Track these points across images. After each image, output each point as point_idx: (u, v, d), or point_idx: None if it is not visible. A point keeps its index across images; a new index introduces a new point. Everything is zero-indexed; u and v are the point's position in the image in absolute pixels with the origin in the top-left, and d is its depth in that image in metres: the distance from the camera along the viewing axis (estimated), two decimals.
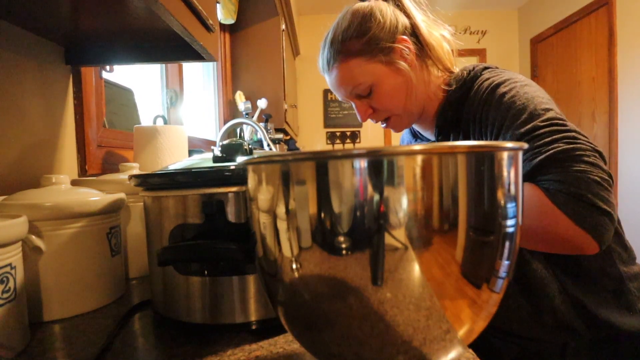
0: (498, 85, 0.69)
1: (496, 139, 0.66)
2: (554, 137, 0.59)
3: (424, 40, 0.78)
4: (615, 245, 0.71)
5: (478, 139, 0.69)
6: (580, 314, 0.68)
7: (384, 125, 0.84)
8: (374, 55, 0.76)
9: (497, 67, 0.78)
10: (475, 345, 0.77)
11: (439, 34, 0.80)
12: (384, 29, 0.75)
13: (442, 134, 0.80)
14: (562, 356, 0.70)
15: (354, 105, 0.83)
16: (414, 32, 0.78)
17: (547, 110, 0.63)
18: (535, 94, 0.66)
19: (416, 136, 0.94)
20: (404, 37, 0.76)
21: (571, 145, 0.58)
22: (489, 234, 0.28)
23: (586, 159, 0.57)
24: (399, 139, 1.07)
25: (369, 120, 0.83)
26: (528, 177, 0.60)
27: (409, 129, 0.97)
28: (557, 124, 0.61)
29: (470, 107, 0.73)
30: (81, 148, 0.94)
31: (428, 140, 0.90)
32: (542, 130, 0.60)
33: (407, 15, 0.78)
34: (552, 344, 0.71)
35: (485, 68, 0.77)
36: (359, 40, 0.75)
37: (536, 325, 0.71)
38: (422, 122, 0.85)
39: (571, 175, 0.56)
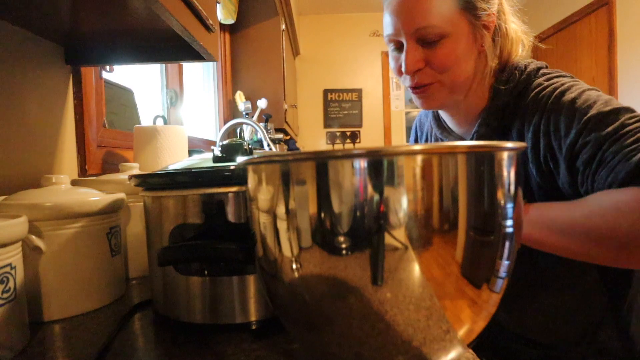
0: (563, 92, 0.63)
1: (574, 146, 0.60)
2: None
3: (504, 31, 0.71)
4: None
5: (544, 152, 0.63)
6: (621, 338, 0.68)
7: (418, 89, 0.71)
8: (464, 8, 0.67)
9: (547, 66, 0.71)
10: (492, 348, 0.76)
11: (520, 30, 0.73)
12: None
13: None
14: None
15: (404, 47, 0.68)
16: (498, 18, 0.71)
17: (628, 108, 0.59)
18: (608, 96, 0.62)
19: (438, 119, 0.83)
20: (495, 13, 0.69)
21: None
22: (489, 234, 0.28)
23: None
24: (411, 132, 0.95)
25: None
26: (629, 178, 0.53)
27: (432, 113, 0.85)
28: None
29: (526, 116, 0.66)
30: (81, 148, 0.94)
31: (450, 131, 0.82)
32: (632, 127, 0.56)
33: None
34: (574, 354, 0.70)
35: (539, 69, 0.70)
36: None
37: (566, 342, 0.70)
38: (457, 114, 0.77)
39: None
